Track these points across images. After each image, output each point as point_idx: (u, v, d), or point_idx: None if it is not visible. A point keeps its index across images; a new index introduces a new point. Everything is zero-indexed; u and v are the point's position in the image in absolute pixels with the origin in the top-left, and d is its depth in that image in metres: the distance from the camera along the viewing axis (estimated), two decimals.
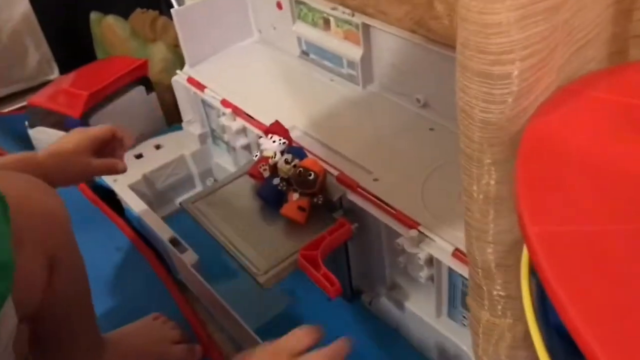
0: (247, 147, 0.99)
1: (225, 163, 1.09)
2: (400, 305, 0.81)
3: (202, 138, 1.11)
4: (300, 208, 0.78)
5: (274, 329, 0.80)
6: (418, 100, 0.89)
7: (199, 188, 1.15)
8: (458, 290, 0.71)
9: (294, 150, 0.82)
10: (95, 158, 0.80)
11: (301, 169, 0.78)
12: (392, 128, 0.88)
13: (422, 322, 0.78)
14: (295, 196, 0.78)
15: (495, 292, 0.52)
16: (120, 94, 1.13)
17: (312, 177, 0.77)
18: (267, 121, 0.91)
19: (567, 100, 0.44)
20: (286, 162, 0.80)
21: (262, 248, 0.77)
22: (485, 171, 0.48)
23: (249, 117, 0.95)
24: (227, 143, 1.04)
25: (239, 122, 0.96)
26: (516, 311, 0.52)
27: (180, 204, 0.86)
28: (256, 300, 0.90)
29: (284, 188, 0.79)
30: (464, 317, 0.73)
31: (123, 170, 0.84)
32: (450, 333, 0.75)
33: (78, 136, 0.80)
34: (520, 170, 0.39)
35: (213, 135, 1.10)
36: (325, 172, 0.79)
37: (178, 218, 1.10)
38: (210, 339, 0.87)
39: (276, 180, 0.80)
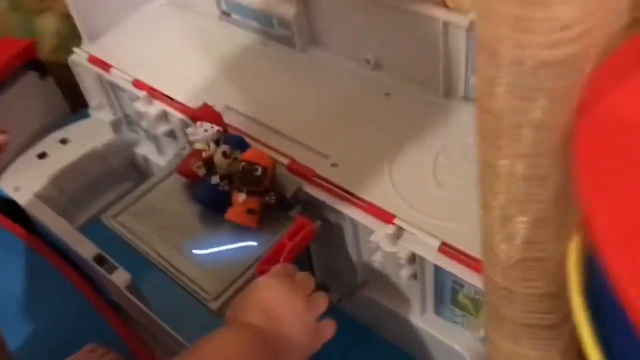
0: (171, 134, 0.83)
1: (146, 151, 0.93)
2: (375, 304, 0.70)
3: (116, 126, 0.94)
4: (250, 211, 0.64)
5: None
6: (368, 62, 0.76)
7: (120, 185, 0.98)
8: (447, 288, 0.61)
9: (233, 140, 0.68)
10: None
11: (244, 163, 0.64)
12: (342, 98, 0.75)
13: (403, 320, 0.68)
14: (241, 197, 0.64)
15: (520, 320, 0.41)
16: (8, 85, 0.93)
17: (259, 172, 0.64)
18: (192, 102, 0.76)
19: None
20: (224, 155, 0.66)
21: (208, 265, 0.64)
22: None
23: (169, 99, 0.79)
24: (146, 131, 0.88)
25: (158, 107, 0.80)
26: (550, 340, 0.42)
27: (100, 220, 0.70)
28: (206, 315, 0.77)
29: (226, 188, 0.66)
30: (456, 314, 0.63)
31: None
32: (437, 331, 0.66)
33: None
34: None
35: (128, 121, 0.93)
36: (274, 163, 0.65)
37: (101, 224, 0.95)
38: None
39: (214, 179, 0.66)
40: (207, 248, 0.65)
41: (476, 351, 0.63)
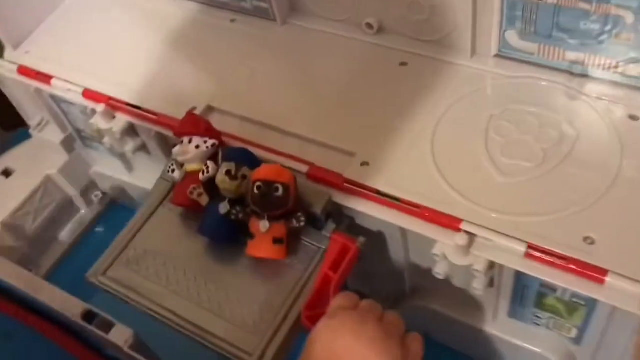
0: (143, 148, 0.69)
1: (111, 170, 0.78)
2: (430, 312, 0.60)
3: (68, 144, 0.78)
4: (277, 241, 0.52)
5: None
6: (370, 26, 0.63)
7: (84, 211, 0.83)
8: (531, 292, 0.51)
9: (236, 154, 0.54)
10: None
11: (260, 183, 0.51)
12: (348, 76, 0.62)
13: (469, 328, 0.58)
14: (263, 225, 0.52)
15: None
16: None
17: (280, 192, 0.51)
18: (164, 108, 0.62)
19: None
20: (230, 175, 0.52)
21: (238, 316, 0.51)
22: None
23: (135, 109, 0.64)
24: (109, 149, 0.73)
25: (122, 120, 0.65)
26: None
27: (86, 279, 0.56)
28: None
29: (241, 216, 0.53)
30: (539, 317, 0.53)
31: None
32: (515, 336, 0.56)
33: None
34: None
35: (82, 137, 0.78)
36: (295, 178, 0.53)
37: (71, 262, 0.80)
38: None
39: (224, 207, 0.53)
40: (230, 293, 0.53)
41: (565, 349, 0.55)
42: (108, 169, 0.79)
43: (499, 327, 0.57)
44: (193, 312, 0.52)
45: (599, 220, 0.47)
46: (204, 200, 0.54)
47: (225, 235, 0.54)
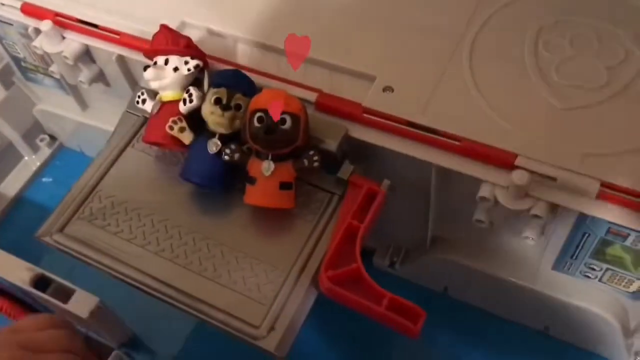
0: (100, 77, 0.56)
1: (59, 108, 0.65)
2: (455, 265, 0.52)
3: (5, 76, 0.64)
4: (284, 185, 0.42)
5: None
6: None
7: (28, 157, 0.70)
8: (593, 239, 0.42)
9: (227, 78, 0.43)
10: None
11: (261, 113, 0.40)
12: None
13: (503, 282, 0.50)
14: (266, 167, 0.41)
15: None
16: None
17: (287, 124, 0.40)
18: (127, 26, 0.50)
19: None
20: (220, 105, 0.41)
21: (239, 280, 0.41)
22: None
23: (89, 26, 0.51)
24: (58, 79, 0.60)
25: (75, 41, 0.52)
26: None
27: (38, 239, 0.44)
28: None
29: (237, 156, 0.42)
30: (594, 268, 0.45)
31: None
32: (558, 292, 0.48)
33: None
34: None
35: (22, 68, 0.64)
36: (304, 106, 0.42)
37: (15, 219, 0.68)
38: None
39: (213, 145, 0.42)
40: (227, 253, 0.42)
41: (617, 305, 0.47)
42: (56, 107, 0.65)
43: (540, 281, 0.48)
44: (181, 277, 0.42)
45: None
46: (188, 137, 0.43)
47: (216, 179, 0.43)
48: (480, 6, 0.47)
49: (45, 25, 0.51)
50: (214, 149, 0.42)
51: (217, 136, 0.42)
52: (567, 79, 0.43)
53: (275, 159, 0.41)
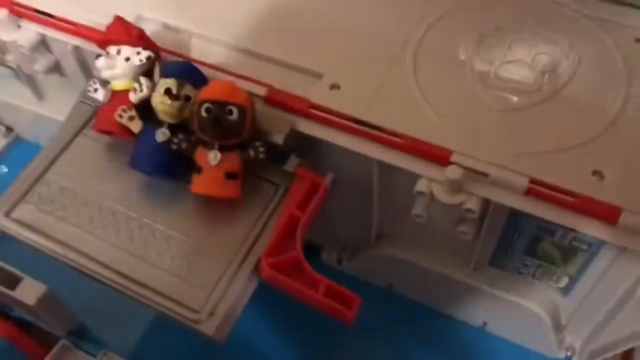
0: (56, 68, 0.57)
1: (15, 98, 0.65)
2: (398, 262, 0.53)
3: None
4: (230, 175, 0.43)
5: None
6: None
7: None
8: (524, 236, 0.44)
9: (178, 69, 0.44)
10: None
11: (209, 104, 0.41)
12: None
13: (443, 277, 0.52)
14: (213, 156, 0.42)
15: None
16: None
17: (234, 115, 0.41)
18: (84, 18, 0.51)
19: None
20: (170, 95, 0.42)
21: (182, 267, 0.42)
22: None
23: (46, 17, 0.52)
24: (13, 68, 0.60)
25: (31, 30, 0.52)
26: None
27: None
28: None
29: (184, 145, 0.43)
30: (526, 264, 0.47)
31: None
32: (495, 287, 0.50)
33: None
34: None
35: None
36: (252, 98, 0.43)
37: None
38: None
39: (162, 134, 0.43)
40: (172, 240, 0.43)
41: (549, 301, 0.49)
42: (12, 97, 0.65)
43: (477, 276, 0.50)
44: (125, 261, 0.42)
45: (609, 153, 0.41)
46: (137, 125, 0.44)
47: (164, 168, 0.44)
48: (426, 13, 0.50)
49: (1, 13, 0.52)
50: (162, 138, 0.43)
51: (165, 126, 0.43)
52: (504, 82, 0.45)
53: (222, 149, 0.42)
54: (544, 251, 0.45)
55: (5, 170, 0.71)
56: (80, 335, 0.56)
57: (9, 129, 0.71)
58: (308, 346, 0.57)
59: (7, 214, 0.44)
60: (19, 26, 0.53)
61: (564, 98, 0.44)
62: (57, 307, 0.53)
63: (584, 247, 0.42)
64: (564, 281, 0.47)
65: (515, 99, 0.44)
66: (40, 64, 0.55)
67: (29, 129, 0.69)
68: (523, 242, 0.45)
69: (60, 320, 0.54)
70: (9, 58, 0.56)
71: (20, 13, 0.52)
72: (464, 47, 0.47)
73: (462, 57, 0.47)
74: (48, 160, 0.46)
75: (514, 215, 0.43)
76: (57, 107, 0.63)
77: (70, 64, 0.55)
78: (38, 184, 0.45)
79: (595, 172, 0.40)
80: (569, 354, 0.53)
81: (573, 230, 0.41)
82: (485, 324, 0.55)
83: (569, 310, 0.49)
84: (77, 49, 0.52)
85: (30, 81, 0.61)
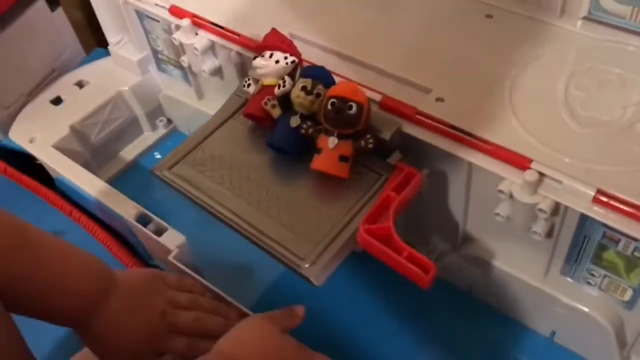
0: (217, 72, 0.71)
1: (181, 95, 0.80)
2: (479, 263, 0.60)
3: (142, 64, 0.81)
4: (342, 158, 0.53)
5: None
6: None
7: (147, 133, 0.86)
8: (592, 244, 0.50)
9: (313, 72, 0.55)
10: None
11: (334, 99, 0.52)
12: (434, 21, 0.62)
13: (518, 282, 0.58)
14: (331, 141, 0.53)
15: None
16: (14, 16, 0.79)
17: (353, 110, 0.52)
18: (245, 30, 0.64)
19: None
20: (305, 90, 0.53)
21: (296, 224, 0.52)
22: None
23: (217, 28, 0.66)
24: (185, 69, 0.75)
25: (205, 37, 0.67)
26: None
27: (152, 173, 0.58)
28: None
29: (311, 131, 0.54)
30: (593, 274, 0.53)
31: None
32: (565, 295, 0.55)
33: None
34: None
35: (158, 59, 0.80)
36: (369, 100, 0.53)
37: (127, 178, 0.83)
38: None
39: (295, 120, 0.54)
40: (290, 203, 0.54)
41: (614, 314, 0.54)
42: (178, 94, 0.80)
43: (550, 283, 0.56)
44: (253, 214, 0.53)
45: None
46: (277, 112, 0.55)
47: (293, 147, 0.55)
48: (530, 50, 0.58)
49: (185, 22, 0.67)
50: (295, 123, 0.54)
51: (298, 114, 0.54)
52: (588, 112, 0.52)
53: (339, 137, 0.53)
54: (609, 261, 0.50)
55: (158, 157, 0.86)
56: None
57: (169, 121, 0.86)
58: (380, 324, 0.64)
59: (170, 169, 0.57)
60: (196, 33, 0.67)
61: (638, 130, 0.50)
62: (190, 257, 0.65)
63: None
64: (629, 294, 0.51)
65: (596, 124, 0.51)
66: (207, 64, 0.69)
67: (185, 122, 0.84)
68: (590, 249, 0.51)
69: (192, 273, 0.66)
70: (184, 59, 0.71)
71: (198, 23, 0.67)
72: (557, 80, 0.55)
73: (555, 88, 0.54)
74: (205, 134, 0.59)
75: (583, 222, 0.49)
76: (212, 105, 0.76)
77: (229, 68, 0.68)
78: (195, 150, 0.58)
79: None
80: None
81: (634, 239, 0.46)
82: (554, 333, 0.60)
83: (634, 327, 0.54)
84: (238, 55, 0.65)
85: (195, 82, 0.76)
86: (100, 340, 0.48)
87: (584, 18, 0.58)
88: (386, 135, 0.54)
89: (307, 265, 0.49)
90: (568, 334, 0.59)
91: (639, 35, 0.56)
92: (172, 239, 0.62)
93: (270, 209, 0.54)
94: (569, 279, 0.55)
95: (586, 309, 0.54)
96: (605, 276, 0.52)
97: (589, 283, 0.54)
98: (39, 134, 0.76)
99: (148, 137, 0.85)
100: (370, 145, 0.53)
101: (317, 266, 0.49)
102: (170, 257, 0.61)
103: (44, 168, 0.77)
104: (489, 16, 0.62)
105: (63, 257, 0.47)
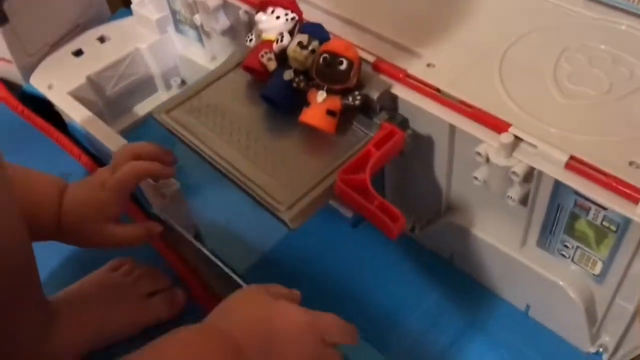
0: (228, 32, 0.73)
1: (195, 56, 0.83)
2: (461, 233, 0.61)
3: (161, 24, 0.84)
4: (330, 112, 0.54)
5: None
6: None
7: (161, 92, 0.89)
8: (564, 213, 0.51)
9: (311, 29, 0.57)
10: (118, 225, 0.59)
11: (326, 54, 0.54)
12: None
13: (497, 252, 0.59)
14: (320, 95, 0.54)
15: None
16: None
17: (343, 65, 0.53)
18: None
19: None
20: (301, 46, 0.55)
21: (279, 173, 0.54)
22: None
23: None
24: (197, 28, 0.78)
25: None
26: None
27: (150, 115, 0.61)
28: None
29: (302, 85, 0.56)
30: (567, 246, 0.53)
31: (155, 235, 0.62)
32: (541, 266, 0.56)
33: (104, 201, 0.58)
34: None
35: (176, 20, 0.83)
36: (360, 58, 0.55)
37: (139, 132, 0.86)
38: (195, 278, 0.65)
39: (288, 74, 0.56)
40: (276, 153, 0.56)
41: (586, 288, 0.54)
42: (192, 55, 0.83)
43: (526, 254, 0.57)
44: (240, 161, 0.55)
45: None
46: (272, 65, 0.57)
47: (284, 98, 0.57)
48: (527, 24, 0.58)
49: None
50: (288, 77, 0.56)
51: (292, 69, 0.56)
52: (574, 84, 0.52)
53: (328, 92, 0.54)
54: (580, 231, 0.51)
55: None
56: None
57: (183, 82, 0.89)
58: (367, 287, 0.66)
59: (167, 112, 0.59)
60: None
61: (624, 103, 0.50)
62: (181, 203, 0.67)
63: (613, 228, 0.48)
64: (599, 267, 0.52)
65: (581, 96, 0.51)
66: (219, 23, 0.71)
67: None
68: (563, 219, 0.51)
69: (184, 219, 0.69)
70: (197, 17, 0.73)
71: None
72: (548, 53, 0.55)
73: (544, 61, 0.55)
74: (205, 83, 0.62)
75: (556, 189, 0.49)
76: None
77: (239, 28, 0.71)
78: (194, 98, 0.60)
79: (632, 162, 0.46)
80: (600, 350, 0.57)
81: (603, 207, 0.47)
82: (528, 307, 0.61)
83: (604, 302, 0.54)
84: (246, 13, 0.67)
85: (208, 42, 0.79)
86: (67, 225, 0.56)
87: None
88: (374, 94, 0.55)
89: (283, 209, 0.51)
90: (542, 308, 0.59)
91: (633, 15, 0.56)
92: (167, 186, 0.65)
93: (257, 157, 0.56)
94: (544, 251, 0.56)
95: (558, 281, 0.55)
96: (577, 247, 0.53)
97: (563, 255, 0.55)
98: (57, 81, 0.80)
99: (161, 95, 0.88)
100: (357, 102, 0.54)
101: (293, 211, 0.51)
102: (162, 202, 0.65)
103: (61, 115, 0.81)
104: None
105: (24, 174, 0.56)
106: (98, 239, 0.58)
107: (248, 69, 0.60)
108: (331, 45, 0.54)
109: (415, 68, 0.56)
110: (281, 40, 0.57)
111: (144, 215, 0.73)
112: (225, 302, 0.49)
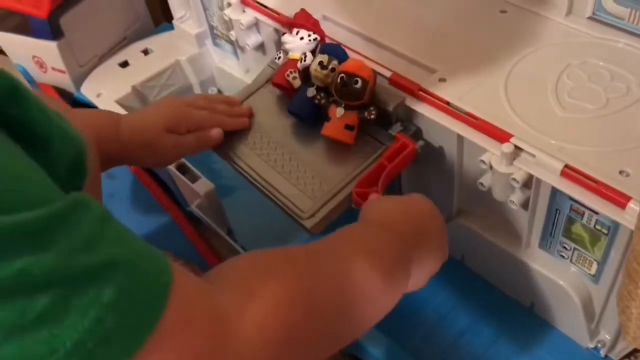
0: (260, 47, 0.79)
1: (230, 68, 0.90)
2: (471, 234, 0.66)
3: (200, 38, 0.91)
4: (348, 127, 0.60)
5: None
6: None
7: None
8: (562, 217, 0.56)
9: (330, 49, 0.63)
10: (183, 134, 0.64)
11: (343, 74, 0.59)
12: (453, 13, 0.69)
13: (503, 253, 0.64)
14: (339, 111, 0.60)
15: None
16: None
17: (359, 84, 0.59)
18: (287, 11, 0.72)
19: None
20: (321, 65, 0.61)
21: (302, 182, 0.60)
22: None
23: (262, 7, 0.75)
24: (233, 43, 0.84)
25: (250, 14, 0.76)
26: None
27: None
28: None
29: (322, 101, 0.61)
30: (566, 247, 0.58)
31: (217, 141, 0.66)
32: (542, 266, 0.61)
33: (164, 110, 0.65)
34: None
35: (213, 35, 0.90)
36: (375, 76, 0.61)
37: None
38: None
39: (311, 91, 0.62)
40: (300, 164, 0.62)
41: (584, 288, 0.59)
42: (228, 67, 0.90)
43: (529, 254, 0.61)
44: (268, 172, 0.62)
45: (637, 160, 0.51)
46: (297, 83, 0.63)
47: (307, 113, 0.63)
48: (534, 42, 0.63)
49: (234, 0, 0.76)
50: (310, 93, 0.62)
51: (315, 86, 0.62)
52: (574, 99, 0.57)
53: (346, 108, 0.60)
54: (577, 234, 0.55)
55: None
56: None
57: (219, 91, 0.96)
58: None
59: None
60: (243, 11, 0.76)
61: (620, 117, 0.55)
62: (216, 202, 0.74)
63: (605, 231, 0.52)
64: (594, 267, 0.56)
65: (579, 110, 0.56)
66: (251, 39, 0.77)
67: (233, 92, 0.93)
68: (561, 223, 0.56)
69: (217, 216, 0.76)
70: (232, 33, 0.80)
71: (246, 2, 0.76)
72: (550, 70, 0.60)
73: (546, 76, 0.59)
74: (240, 99, 0.68)
75: (553, 195, 0.54)
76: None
77: (270, 44, 0.77)
78: None
79: (622, 171, 0.50)
80: (599, 345, 0.61)
81: (595, 211, 0.51)
82: (533, 305, 0.65)
83: (600, 301, 0.58)
84: (276, 31, 0.74)
85: (242, 56, 0.85)
86: (128, 137, 0.62)
87: (589, 18, 0.63)
88: (390, 107, 0.61)
89: (306, 217, 0.58)
90: (545, 305, 0.64)
91: (634, 35, 0.60)
92: (203, 185, 0.73)
93: (283, 167, 0.62)
94: (546, 252, 0.61)
95: (559, 281, 0.59)
96: (575, 249, 0.57)
97: (562, 256, 0.59)
98: (105, 90, 0.88)
99: None
100: (372, 116, 0.60)
101: (314, 219, 0.57)
102: (198, 201, 0.72)
103: None
104: (503, 11, 0.67)
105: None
106: (159, 145, 0.63)
107: (277, 85, 0.66)
108: (347, 65, 0.60)
109: (428, 82, 0.61)
110: (304, 60, 0.63)
111: (181, 212, 0.81)
112: (368, 205, 0.54)
